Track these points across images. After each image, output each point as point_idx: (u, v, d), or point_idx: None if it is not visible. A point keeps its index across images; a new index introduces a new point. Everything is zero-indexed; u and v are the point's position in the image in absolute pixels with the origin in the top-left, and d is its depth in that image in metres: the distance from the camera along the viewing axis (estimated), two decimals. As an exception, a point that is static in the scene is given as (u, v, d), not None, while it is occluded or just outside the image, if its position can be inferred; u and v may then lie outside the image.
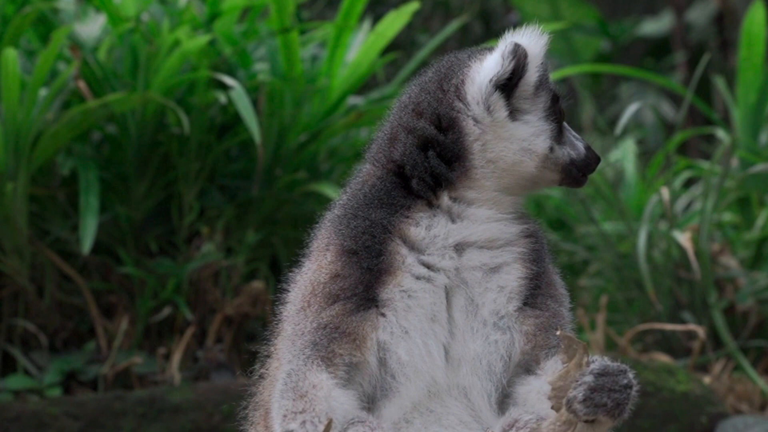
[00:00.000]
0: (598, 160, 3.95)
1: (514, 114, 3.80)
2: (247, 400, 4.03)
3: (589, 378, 3.49)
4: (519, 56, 3.74)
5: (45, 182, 6.48)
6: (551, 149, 3.83)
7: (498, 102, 3.76)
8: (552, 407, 3.55)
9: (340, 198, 3.92)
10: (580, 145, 3.90)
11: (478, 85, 3.77)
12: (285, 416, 3.58)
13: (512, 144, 3.79)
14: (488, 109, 3.77)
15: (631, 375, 3.52)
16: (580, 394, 3.48)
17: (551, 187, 4.04)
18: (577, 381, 3.50)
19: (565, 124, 3.92)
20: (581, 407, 3.48)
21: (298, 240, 6.97)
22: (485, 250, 3.79)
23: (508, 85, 3.76)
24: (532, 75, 3.79)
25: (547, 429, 3.57)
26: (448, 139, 3.78)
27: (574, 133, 3.94)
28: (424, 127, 3.79)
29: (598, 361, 3.52)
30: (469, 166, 3.77)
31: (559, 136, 3.87)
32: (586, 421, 3.51)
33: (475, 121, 3.76)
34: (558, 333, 3.59)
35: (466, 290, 3.76)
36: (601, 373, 3.49)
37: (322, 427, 3.50)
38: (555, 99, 3.86)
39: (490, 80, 3.75)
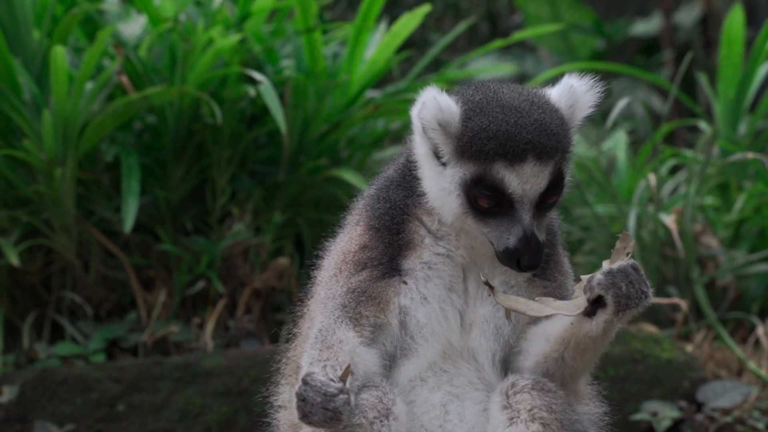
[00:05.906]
0: (523, 253, 3.61)
1: (442, 160, 3.69)
2: (280, 356, 4.09)
3: (623, 263, 3.52)
4: (427, 107, 3.65)
5: (91, 167, 6.49)
6: (466, 215, 3.68)
7: (420, 136, 3.70)
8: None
9: (376, 179, 3.98)
10: (511, 240, 3.62)
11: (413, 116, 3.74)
12: (311, 363, 3.63)
13: (433, 184, 3.73)
14: (420, 137, 3.72)
15: (651, 294, 3.54)
16: (607, 269, 3.52)
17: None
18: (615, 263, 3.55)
19: (518, 213, 3.62)
20: (601, 277, 3.52)
21: (320, 220, 6.97)
22: None
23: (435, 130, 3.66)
24: (436, 136, 3.66)
25: (555, 306, 3.60)
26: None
27: (516, 229, 3.61)
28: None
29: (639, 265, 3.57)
30: (422, 192, 3.78)
31: (481, 217, 3.66)
32: (593, 302, 3.54)
33: (418, 147, 3.76)
34: (622, 234, 3.59)
35: (479, 269, 3.80)
36: (635, 268, 3.53)
37: (339, 372, 3.53)
38: (479, 184, 3.62)
39: (415, 113, 3.70)
